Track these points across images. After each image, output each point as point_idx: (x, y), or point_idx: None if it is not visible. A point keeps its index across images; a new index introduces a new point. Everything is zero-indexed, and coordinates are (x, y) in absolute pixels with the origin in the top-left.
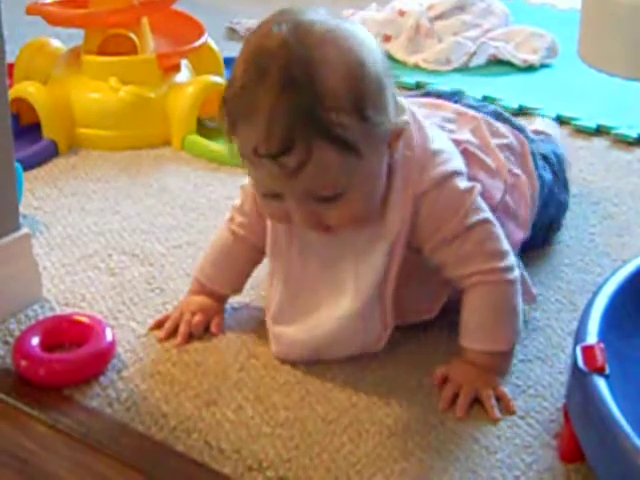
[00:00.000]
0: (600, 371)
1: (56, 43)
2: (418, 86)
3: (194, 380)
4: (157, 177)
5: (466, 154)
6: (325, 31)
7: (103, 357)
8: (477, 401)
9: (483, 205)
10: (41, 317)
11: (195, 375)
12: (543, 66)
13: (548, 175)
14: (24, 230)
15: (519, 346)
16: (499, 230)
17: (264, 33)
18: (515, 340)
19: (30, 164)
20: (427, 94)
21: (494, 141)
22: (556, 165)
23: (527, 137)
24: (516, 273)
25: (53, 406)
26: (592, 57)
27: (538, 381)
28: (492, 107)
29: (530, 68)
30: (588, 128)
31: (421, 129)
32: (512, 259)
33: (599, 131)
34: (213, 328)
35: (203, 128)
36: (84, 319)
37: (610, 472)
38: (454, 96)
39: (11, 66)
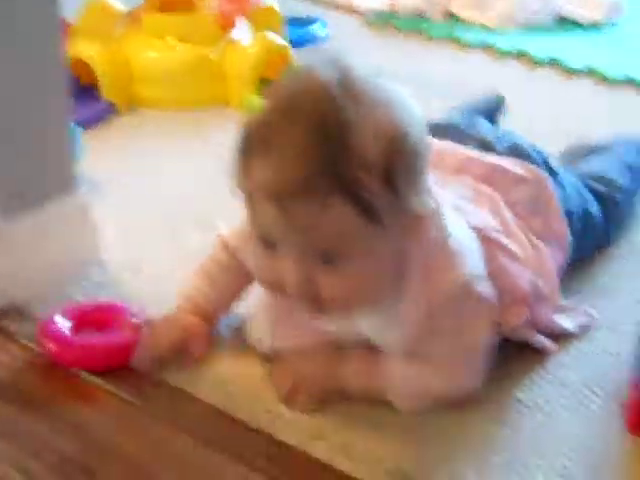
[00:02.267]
0: None
1: (117, 4)
2: (483, 44)
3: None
4: (217, 138)
5: (488, 242)
6: (376, 89)
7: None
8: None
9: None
10: (99, 281)
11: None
12: (608, 24)
13: (579, 205)
14: (82, 191)
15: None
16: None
17: (307, 73)
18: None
19: (89, 125)
20: (436, 126)
21: (515, 195)
22: (600, 186)
23: (551, 170)
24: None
25: (115, 375)
26: None
27: (605, 349)
28: (509, 141)
29: (595, 26)
30: None
31: (440, 221)
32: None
33: None
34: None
35: (264, 88)
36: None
37: None
38: (471, 129)
39: (68, 26)
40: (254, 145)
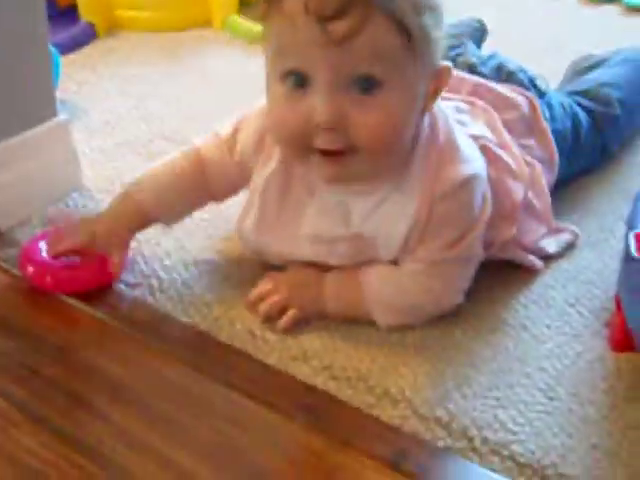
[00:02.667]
0: None
1: None
2: None
3: (237, 269)
4: (198, 59)
5: (485, 152)
6: None
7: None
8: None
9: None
10: (81, 205)
11: (239, 264)
12: None
13: (568, 123)
14: (62, 116)
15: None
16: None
17: None
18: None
19: (68, 48)
20: None
21: (506, 116)
22: (592, 103)
23: (538, 90)
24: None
25: (96, 297)
26: None
27: (589, 267)
28: (495, 62)
29: None
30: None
31: (446, 117)
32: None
33: None
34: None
35: (245, 9)
36: None
37: None
38: (455, 49)
39: None
40: None
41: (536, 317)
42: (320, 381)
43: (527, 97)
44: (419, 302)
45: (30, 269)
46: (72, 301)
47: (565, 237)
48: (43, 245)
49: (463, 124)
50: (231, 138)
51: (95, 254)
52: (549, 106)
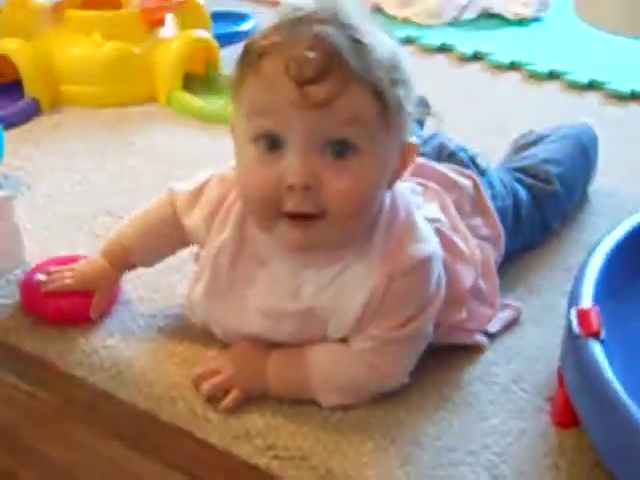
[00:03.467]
0: (595, 335)
1: None
2: (408, 40)
3: (180, 347)
4: (143, 135)
5: (440, 235)
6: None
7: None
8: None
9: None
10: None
11: (181, 342)
12: (535, 20)
13: (509, 201)
14: (5, 191)
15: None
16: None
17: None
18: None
19: (12, 123)
20: None
21: (453, 197)
22: (532, 180)
23: (478, 169)
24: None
25: (35, 375)
26: (587, 13)
27: (531, 343)
28: (437, 141)
29: (522, 22)
30: (580, 83)
31: (404, 196)
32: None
33: (591, 86)
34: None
35: (190, 84)
36: None
37: (605, 438)
38: None
39: None
40: (265, 44)
41: (480, 394)
42: (263, 461)
43: (469, 177)
44: (363, 380)
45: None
46: (11, 379)
47: (507, 314)
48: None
49: (417, 206)
50: (192, 198)
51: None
52: (490, 185)
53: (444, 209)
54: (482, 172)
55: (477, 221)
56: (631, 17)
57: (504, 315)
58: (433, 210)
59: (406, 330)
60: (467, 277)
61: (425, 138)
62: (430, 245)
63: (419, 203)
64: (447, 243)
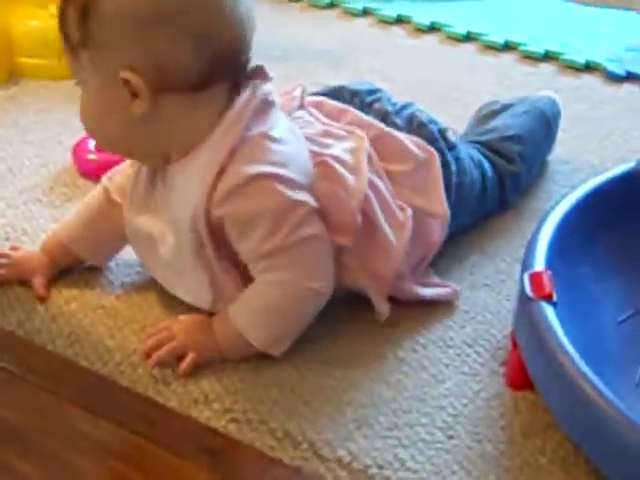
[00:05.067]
0: (548, 298)
1: None
2: (365, 12)
3: (139, 314)
4: None
5: (323, 166)
6: None
7: None
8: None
9: (314, 220)
10: None
11: (140, 309)
12: None
13: (476, 174)
14: None
15: (467, 274)
16: (327, 247)
17: None
18: (270, 347)
19: None
20: (341, 89)
21: (393, 167)
22: (495, 157)
23: (447, 142)
24: (322, 299)
25: None
26: None
27: (486, 308)
28: (409, 112)
29: None
30: (535, 53)
31: (268, 123)
32: (326, 284)
33: (547, 57)
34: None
35: None
36: None
37: (557, 399)
38: (372, 94)
39: None
40: None
41: (435, 357)
42: (222, 424)
43: (429, 152)
44: (280, 301)
45: None
46: None
47: (445, 291)
48: None
49: (322, 145)
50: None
51: None
52: (457, 159)
53: (354, 150)
54: (451, 146)
55: (419, 200)
56: None
57: (441, 291)
58: (337, 149)
59: (277, 239)
60: (348, 205)
61: (397, 108)
62: (263, 167)
63: (327, 143)
64: (331, 173)
